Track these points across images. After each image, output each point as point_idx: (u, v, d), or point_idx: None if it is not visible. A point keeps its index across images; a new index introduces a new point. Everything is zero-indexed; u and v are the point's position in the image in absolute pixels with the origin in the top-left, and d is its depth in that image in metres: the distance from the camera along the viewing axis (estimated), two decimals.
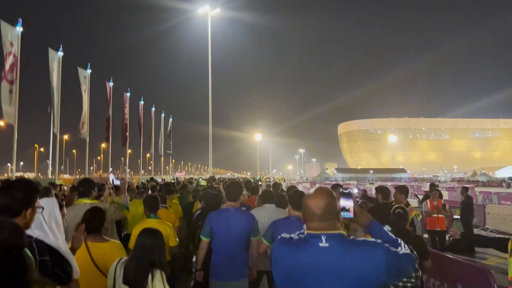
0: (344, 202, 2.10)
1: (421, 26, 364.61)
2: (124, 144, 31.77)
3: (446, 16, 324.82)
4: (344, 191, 2.17)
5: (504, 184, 65.56)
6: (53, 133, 22.07)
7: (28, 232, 2.17)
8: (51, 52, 21.13)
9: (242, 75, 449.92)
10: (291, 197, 4.36)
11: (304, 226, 2.07)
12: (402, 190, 6.11)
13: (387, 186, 7.64)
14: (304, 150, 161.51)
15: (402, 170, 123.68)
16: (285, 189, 8.76)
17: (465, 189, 13.07)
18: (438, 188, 10.07)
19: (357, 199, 8.76)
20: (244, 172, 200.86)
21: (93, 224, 3.26)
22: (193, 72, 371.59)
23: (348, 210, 2.09)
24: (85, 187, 4.70)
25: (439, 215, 9.43)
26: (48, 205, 2.40)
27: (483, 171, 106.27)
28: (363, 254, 1.86)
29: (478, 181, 78.21)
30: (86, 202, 4.45)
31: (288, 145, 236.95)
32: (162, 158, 48.46)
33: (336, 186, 6.67)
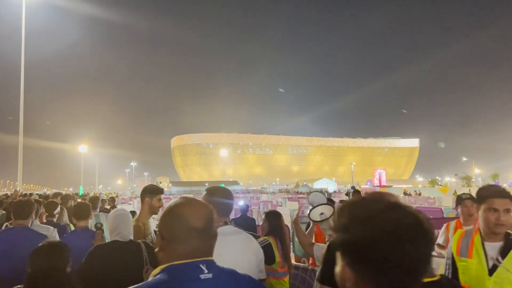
0: None
1: (242, 52, 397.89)
2: None
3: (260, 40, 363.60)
4: None
5: (325, 194, 74.08)
6: None
7: None
8: None
9: (67, 77, 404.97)
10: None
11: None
12: None
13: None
14: (135, 164, 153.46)
15: (235, 182, 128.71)
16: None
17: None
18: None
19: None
20: (65, 188, 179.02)
21: None
22: (1, 71, 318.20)
23: None
24: None
25: None
26: None
27: (304, 183, 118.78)
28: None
29: (303, 192, 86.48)
30: None
31: (118, 158, 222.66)
32: None
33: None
